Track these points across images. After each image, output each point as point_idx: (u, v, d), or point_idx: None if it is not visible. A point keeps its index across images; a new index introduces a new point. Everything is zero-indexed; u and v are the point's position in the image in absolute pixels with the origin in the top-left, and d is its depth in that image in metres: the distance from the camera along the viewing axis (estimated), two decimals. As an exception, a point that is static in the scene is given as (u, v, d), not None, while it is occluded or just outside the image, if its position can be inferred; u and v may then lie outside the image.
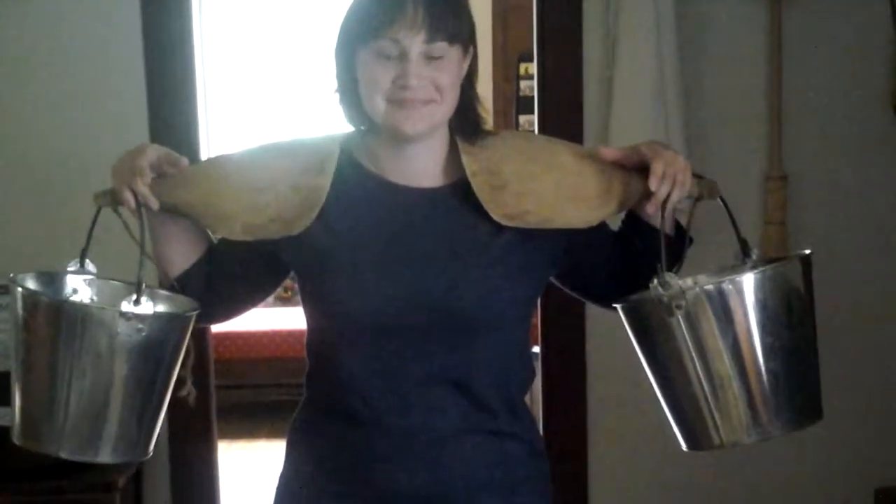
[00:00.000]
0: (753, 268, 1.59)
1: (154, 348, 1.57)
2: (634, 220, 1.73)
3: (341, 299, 1.64)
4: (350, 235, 1.66)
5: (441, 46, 1.59)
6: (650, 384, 1.65)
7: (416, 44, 1.58)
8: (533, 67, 3.10)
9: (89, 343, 1.52)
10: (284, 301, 6.67)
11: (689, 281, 1.59)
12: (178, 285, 1.73)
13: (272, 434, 5.58)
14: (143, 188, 1.62)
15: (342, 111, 1.72)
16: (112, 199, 1.66)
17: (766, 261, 1.64)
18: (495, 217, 1.63)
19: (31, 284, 1.61)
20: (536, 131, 3.07)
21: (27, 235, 3.00)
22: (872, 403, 3.05)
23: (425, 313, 1.63)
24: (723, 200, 1.69)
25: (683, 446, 1.65)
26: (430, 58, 1.59)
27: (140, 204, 1.63)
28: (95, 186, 1.69)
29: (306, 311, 1.75)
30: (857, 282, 3.01)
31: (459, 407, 1.67)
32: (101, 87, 3.00)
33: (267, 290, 1.83)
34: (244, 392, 5.97)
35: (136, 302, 1.55)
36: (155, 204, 1.64)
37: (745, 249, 1.67)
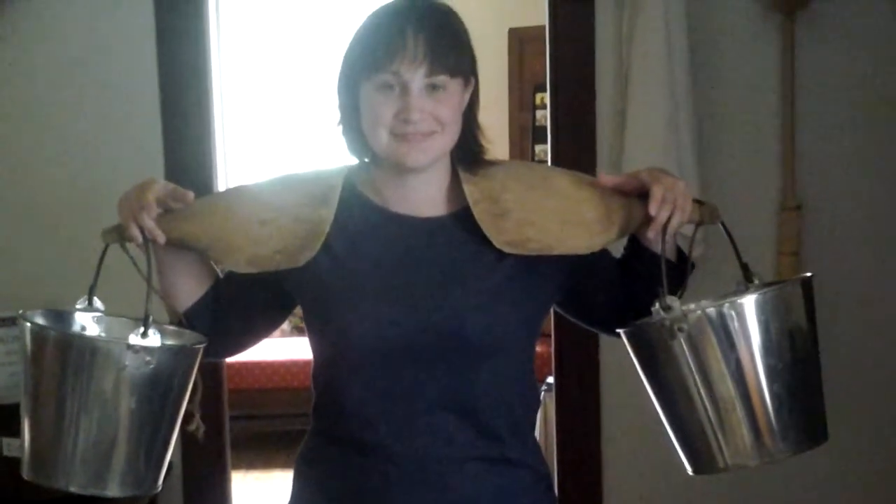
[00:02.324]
0: (756, 291, 1.59)
1: (161, 382, 1.57)
2: (636, 246, 1.74)
3: (345, 328, 1.65)
4: (354, 265, 1.67)
5: (442, 80, 1.61)
6: (655, 409, 1.65)
7: (417, 77, 1.59)
8: (548, 97, 3.11)
9: (97, 376, 1.53)
10: (300, 331, 6.67)
11: (692, 305, 1.59)
12: (186, 320, 1.74)
13: (288, 464, 5.52)
14: (150, 222, 1.63)
15: (345, 143, 1.73)
16: (119, 234, 1.67)
17: (768, 285, 1.64)
18: (497, 245, 1.64)
19: (41, 321, 1.62)
20: (550, 161, 3.07)
21: (37, 269, 3.01)
22: (885, 429, 3.03)
23: (429, 341, 1.63)
24: (724, 225, 1.70)
25: (689, 470, 1.65)
26: (431, 91, 1.61)
27: (146, 239, 1.64)
28: (106, 220, 1.70)
29: (312, 342, 1.76)
30: (873, 312, 2.99)
31: (464, 433, 1.67)
32: (114, 118, 3.02)
33: (274, 322, 1.85)
34: (260, 422, 5.97)
35: (144, 335, 1.56)
36: (162, 238, 1.65)
37: (746, 274, 1.67)
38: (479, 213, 1.67)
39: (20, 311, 1.60)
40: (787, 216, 2.92)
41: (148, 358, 1.54)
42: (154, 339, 1.57)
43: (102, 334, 1.68)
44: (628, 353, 1.67)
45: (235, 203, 1.73)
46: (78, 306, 1.68)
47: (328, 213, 1.67)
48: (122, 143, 3.02)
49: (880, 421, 3.01)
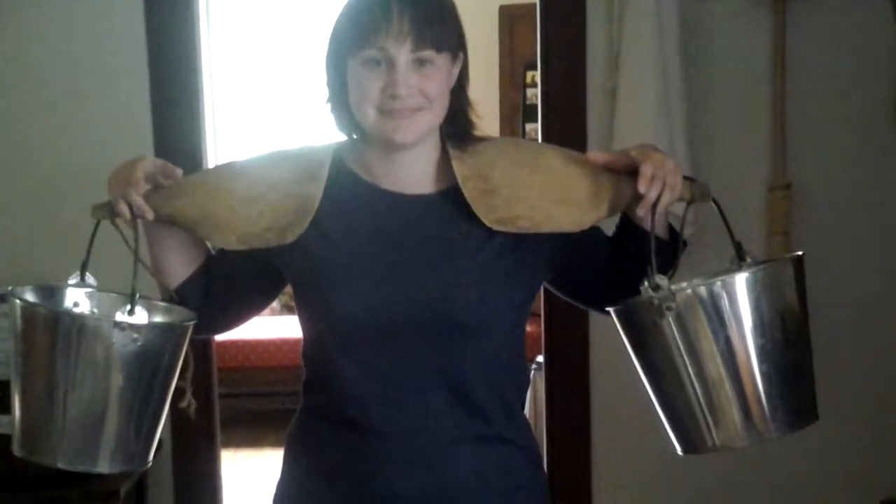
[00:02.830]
0: (746, 270, 1.57)
1: (150, 358, 1.57)
2: (627, 224, 1.73)
3: (335, 305, 1.65)
4: (343, 242, 1.67)
5: (428, 54, 1.60)
6: (645, 388, 1.65)
7: (403, 52, 1.59)
8: (538, 76, 3.10)
9: (85, 353, 1.53)
10: (290, 309, 6.67)
11: (682, 284, 1.58)
12: (177, 296, 1.75)
13: (278, 442, 5.54)
14: (138, 199, 1.63)
15: (333, 120, 1.73)
16: (109, 211, 1.66)
17: (760, 264, 1.62)
18: (486, 222, 1.64)
19: (31, 297, 1.62)
20: (540, 140, 3.07)
21: (29, 245, 3.01)
22: (877, 413, 3.04)
23: (419, 318, 1.63)
24: (716, 203, 1.68)
25: (678, 450, 1.64)
26: (418, 66, 1.60)
27: (135, 215, 1.64)
28: (97, 196, 1.70)
29: (301, 319, 1.75)
30: (862, 290, 3.00)
31: (454, 412, 1.68)
32: (104, 96, 3.02)
33: (265, 299, 1.85)
34: (250, 400, 5.98)
35: (131, 312, 1.56)
36: (150, 214, 1.65)
37: (739, 252, 1.65)
38: (468, 190, 1.66)
39: (9, 288, 1.59)
40: (777, 195, 2.93)
41: (135, 335, 1.54)
42: (141, 317, 1.57)
43: (94, 310, 1.68)
44: (618, 332, 1.66)
45: (223, 180, 1.72)
46: (70, 282, 1.68)
47: (317, 190, 1.67)
48: (111, 122, 3.02)
49: (866, 400, 3.02)
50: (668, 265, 1.58)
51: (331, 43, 1.67)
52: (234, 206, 1.68)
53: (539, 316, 3.12)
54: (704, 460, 2.98)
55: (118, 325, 1.53)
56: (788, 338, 1.56)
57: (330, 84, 1.70)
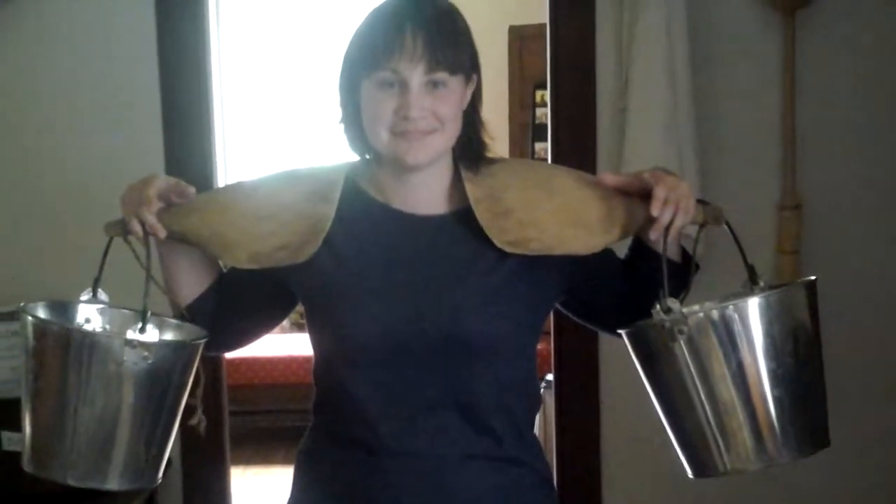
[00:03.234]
0: (759, 294, 1.58)
1: (161, 376, 1.58)
2: (639, 247, 1.73)
3: (348, 325, 1.65)
4: (356, 262, 1.67)
5: (442, 76, 1.61)
6: (655, 409, 1.64)
7: (416, 75, 1.59)
8: (548, 95, 3.11)
9: (97, 370, 1.53)
10: (300, 327, 6.67)
11: (695, 307, 1.58)
12: (188, 314, 1.75)
13: (287, 459, 5.56)
14: (150, 217, 1.64)
15: (346, 140, 1.73)
16: (122, 228, 1.67)
17: (772, 287, 1.62)
18: (498, 244, 1.64)
19: (43, 313, 1.63)
20: (550, 159, 3.07)
21: (41, 262, 3.02)
22: (891, 431, 3.03)
23: (429, 340, 1.63)
24: (729, 226, 1.68)
25: (689, 473, 1.64)
26: (431, 88, 1.61)
27: (147, 233, 1.64)
28: (109, 213, 1.71)
29: (313, 339, 1.76)
30: (873, 312, 2.99)
31: (464, 432, 1.67)
32: (115, 113, 3.02)
33: (276, 319, 1.85)
34: (260, 417, 5.97)
35: (142, 330, 1.57)
36: (162, 233, 1.66)
37: (752, 276, 1.65)
38: (480, 212, 1.66)
39: (21, 304, 1.61)
40: (787, 215, 2.92)
41: (146, 353, 1.54)
42: (152, 335, 1.58)
43: (107, 326, 1.68)
44: (628, 352, 1.66)
45: (234, 198, 1.74)
46: (83, 298, 1.69)
47: (329, 209, 1.67)
48: (122, 138, 3.02)
49: (879, 422, 3.01)
50: (681, 288, 1.58)
51: (344, 63, 1.68)
52: (244, 224, 1.68)
53: (549, 334, 3.13)
54: (717, 483, 2.98)
55: (129, 342, 1.54)
56: (801, 362, 1.56)
57: (343, 104, 1.70)
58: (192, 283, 1.76)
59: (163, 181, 1.68)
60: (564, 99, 3.02)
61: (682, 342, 1.52)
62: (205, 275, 1.77)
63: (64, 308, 1.68)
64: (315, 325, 1.74)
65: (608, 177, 1.70)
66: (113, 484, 1.60)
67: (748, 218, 2.92)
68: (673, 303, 1.53)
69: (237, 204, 1.72)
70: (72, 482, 1.57)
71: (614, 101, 2.95)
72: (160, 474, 1.65)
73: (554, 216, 1.66)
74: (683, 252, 1.74)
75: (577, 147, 2.99)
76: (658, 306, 1.54)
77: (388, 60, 1.59)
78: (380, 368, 1.65)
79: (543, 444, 3.46)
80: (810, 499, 3.07)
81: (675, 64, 2.82)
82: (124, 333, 1.56)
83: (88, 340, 1.55)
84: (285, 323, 6.70)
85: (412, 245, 1.68)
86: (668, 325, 1.52)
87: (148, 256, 1.64)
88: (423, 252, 1.67)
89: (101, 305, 1.69)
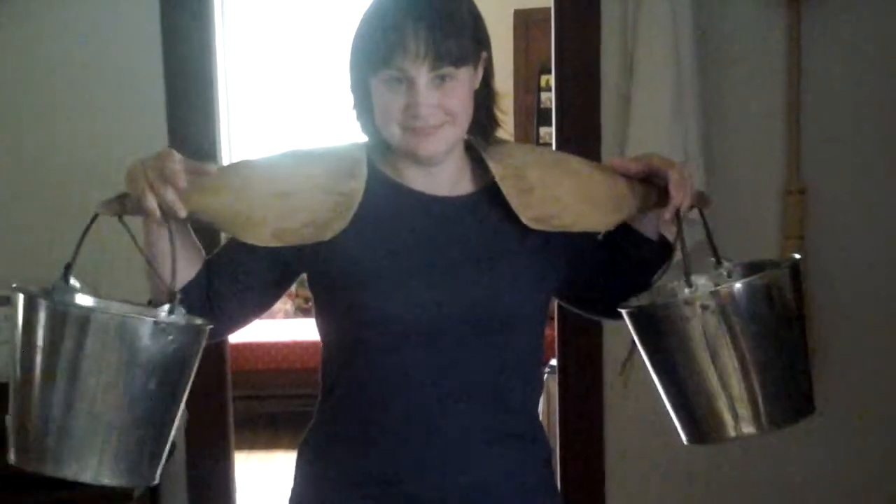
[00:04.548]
0: (748, 271, 1.66)
1: (178, 362, 1.50)
2: (629, 232, 1.76)
3: (381, 307, 1.63)
4: (383, 242, 1.65)
5: (448, 71, 1.59)
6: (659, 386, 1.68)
7: (422, 73, 1.58)
8: (553, 79, 3.10)
9: (119, 354, 1.44)
10: (304, 312, 6.68)
11: (709, 283, 1.64)
12: (184, 297, 1.61)
13: (291, 444, 5.55)
14: (171, 195, 1.51)
15: (359, 126, 1.72)
16: (121, 206, 1.55)
17: (748, 265, 1.71)
18: (525, 220, 1.66)
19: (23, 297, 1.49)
20: (554, 144, 3.07)
21: (36, 243, 3.00)
22: (892, 419, 3.03)
23: (464, 319, 1.64)
24: (701, 212, 1.75)
25: (686, 439, 1.68)
26: (438, 82, 1.59)
27: (165, 213, 1.52)
28: (109, 194, 1.61)
29: (327, 322, 1.72)
30: (879, 295, 2.99)
31: (489, 411, 1.69)
32: (118, 100, 3.01)
33: (268, 303, 1.78)
34: (264, 403, 5.98)
35: (171, 312, 1.50)
36: (183, 212, 1.53)
37: (717, 256, 1.71)
38: (506, 188, 1.67)
39: (14, 286, 1.49)
40: (792, 200, 2.92)
41: (171, 336, 1.47)
42: (179, 317, 1.51)
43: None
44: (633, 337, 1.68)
45: (252, 176, 1.65)
46: (54, 284, 1.56)
47: (358, 186, 1.64)
48: (125, 124, 3.01)
49: (884, 404, 3.01)
50: (658, 267, 1.68)
51: (351, 55, 1.66)
52: (268, 202, 1.61)
53: (553, 319, 3.13)
54: (717, 466, 2.98)
55: (158, 324, 1.46)
56: (794, 335, 1.63)
57: (353, 93, 1.69)
58: (183, 268, 1.61)
59: (182, 158, 1.56)
60: (569, 83, 3.01)
61: (705, 316, 1.56)
62: (194, 258, 1.66)
63: (45, 294, 1.54)
64: (335, 309, 1.70)
65: (615, 161, 1.75)
66: (107, 478, 1.50)
67: (753, 203, 2.94)
68: (698, 279, 1.61)
69: (257, 181, 1.64)
70: (66, 475, 1.49)
71: (618, 85, 2.94)
72: (159, 472, 1.55)
73: (571, 194, 1.70)
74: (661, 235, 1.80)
75: (581, 132, 2.98)
76: (676, 283, 1.62)
77: (392, 60, 1.57)
78: (411, 350, 1.64)
79: (546, 429, 3.48)
80: (812, 491, 3.07)
81: (679, 49, 2.81)
82: (149, 314, 1.47)
83: (115, 322, 1.45)
84: (289, 308, 6.72)
85: (437, 226, 1.68)
86: (696, 301, 1.57)
87: (172, 239, 1.53)
88: (451, 232, 1.68)
89: (73, 293, 1.56)
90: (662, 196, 1.70)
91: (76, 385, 1.44)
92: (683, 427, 1.67)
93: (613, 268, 1.78)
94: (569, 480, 3.10)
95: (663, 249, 1.74)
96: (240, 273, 1.70)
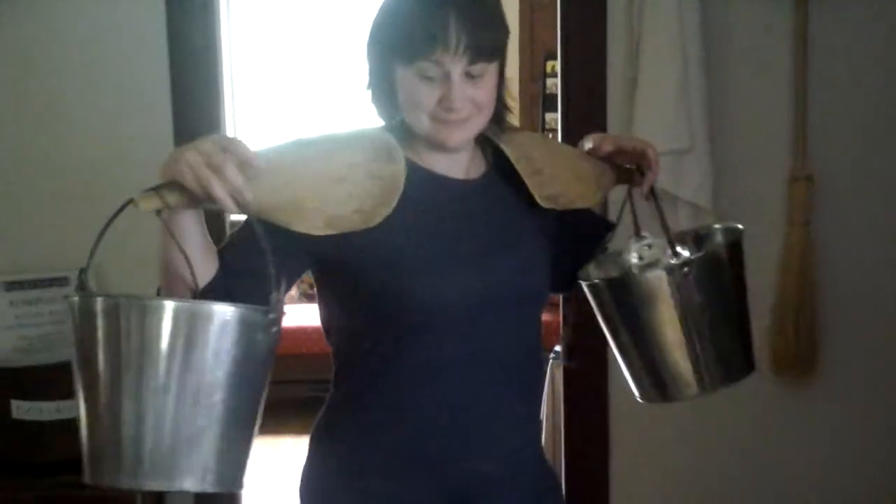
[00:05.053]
0: (695, 240, 1.81)
1: (270, 356, 1.45)
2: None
3: (427, 292, 1.62)
4: (423, 228, 1.65)
5: (482, 66, 1.61)
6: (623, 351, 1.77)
7: (458, 67, 1.59)
8: (558, 66, 3.09)
9: (232, 351, 1.38)
10: (310, 298, 6.68)
11: (685, 252, 1.74)
12: (212, 295, 1.54)
13: (298, 430, 5.57)
14: (239, 180, 1.42)
15: (375, 109, 1.72)
16: (162, 200, 1.43)
17: (694, 235, 1.85)
18: (539, 199, 1.72)
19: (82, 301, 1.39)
20: (560, 130, 3.06)
21: (45, 238, 3.00)
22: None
23: (500, 299, 1.68)
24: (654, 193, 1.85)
25: (640, 398, 1.79)
26: (470, 77, 1.61)
27: (238, 203, 1.44)
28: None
29: (348, 307, 1.70)
30: (883, 282, 2.98)
31: (510, 390, 1.73)
32: (124, 91, 2.99)
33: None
34: (270, 388, 5.97)
35: (271, 309, 1.43)
36: (252, 197, 1.44)
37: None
38: (522, 170, 1.73)
39: (99, 297, 1.38)
40: (798, 186, 2.91)
41: (275, 329, 1.43)
42: (281, 307, 1.44)
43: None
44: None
45: (300, 160, 1.58)
46: (75, 289, 1.47)
47: (399, 170, 1.63)
48: (130, 121, 2.99)
49: (889, 395, 3.00)
50: (596, 245, 1.86)
51: (375, 41, 1.65)
52: (321, 188, 1.56)
53: (557, 305, 3.13)
54: (721, 463, 2.98)
55: (269, 318, 1.41)
56: (741, 298, 1.73)
57: (372, 76, 1.68)
58: (208, 262, 1.55)
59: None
60: (574, 69, 3.00)
61: (683, 281, 1.64)
62: (213, 253, 1.57)
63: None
64: (360, 296, 1.65)
65: (592, 142, 1.85)
66: (193, 485, 1.39)
67: (759, 188, 2.93)
68: (682, 248, 1.72)
69: (307, 166, 1.57)
70: (153, 486, 1.38)
71: (625, 70, 2.93)
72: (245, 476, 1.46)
73: (569, 174, 1.79)
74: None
75: (587, 117, 2.97)
76: (667, 250, 1.71)
77: (431, 52, 1.57)
78: (446, 332, 1.65)
79: (552, 417, 3.48)
80: (813, 494, 3.07)
81: (685, 33, 2.80)
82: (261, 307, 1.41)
83: (232, 316, 1.37)
84: (294, 293, 6.71)
85: (464, 209, 1.71)
86: (677, 266, 1.65)
87: (259, 230, 1.45)
88: (476, 214, 1.72)
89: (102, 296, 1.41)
90: (622, 174, 1.85)
91: (181, 386, 1.35)
92: (644, 388, 1.77)
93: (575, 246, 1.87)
94: (572, 490, 3.10)
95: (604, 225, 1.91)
96: (252, 266, 1.52)
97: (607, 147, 1.81)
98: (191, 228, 1.50)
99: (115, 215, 1.43)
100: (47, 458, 2.66)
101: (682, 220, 2.81)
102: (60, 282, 2.83)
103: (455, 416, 1.68)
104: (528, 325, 1.77)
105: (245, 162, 1.44)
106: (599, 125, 2.96)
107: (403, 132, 1.69)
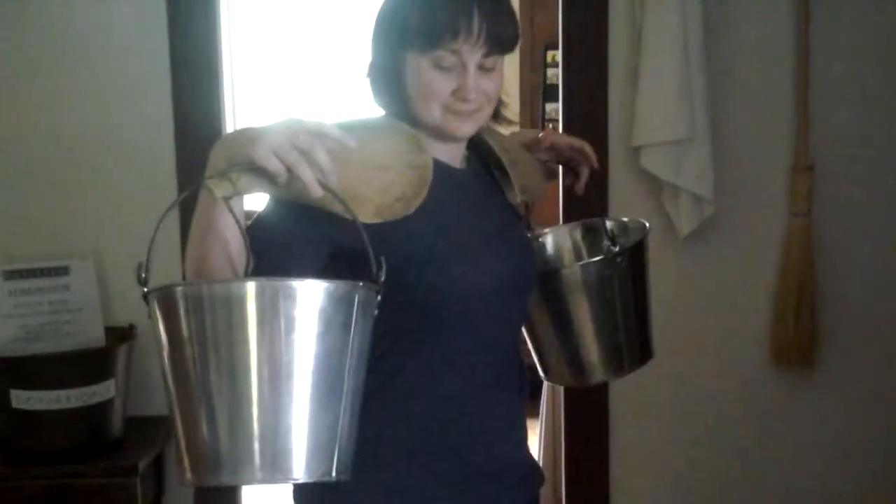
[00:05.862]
0: (611, 237, 1.87)
1: (370, 333, 1.39)
2: None
3: (450, 281, 1.60)
4: (441, 217, 1.64)
5: (494, 58, 1.62)
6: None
7: (475, 57, 1.60)
8: (559, 56, 3.08)
9: (351, 330, 1.32)
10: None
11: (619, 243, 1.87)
12: None
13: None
14: (329, 164, 1.40)
15: (373, 97, 1.70)
16: (234, 186, 1.39)
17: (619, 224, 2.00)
18: (518, 191, 1.78)
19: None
20: (561, 120, 3.06)
21: (48, 226, 2.99)
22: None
23: (514, 284, 1.71)
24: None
25: (547, 377, 1.96)
26: (483, 69, 1.62)
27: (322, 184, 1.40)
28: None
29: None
30: (885, 273, 2.98)
31: (517, 376, 1.78)
32: (125, 82, 2.98)
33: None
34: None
35: (377, 289, 1.39)
36: (335, 182, 1.42)
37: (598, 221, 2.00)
38: (507, 162, 1.77)
39: (185, 284, 1.34)
40: (800, 176, 2.91)
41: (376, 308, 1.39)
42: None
43: None
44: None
45: (344, 148, 1.49)
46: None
47: (428, 157, 1.63)
48: (131, 111, 2.97)
49: (891, 390, 3.01)
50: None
51: (386, 28, 1.64)
52: (369, 176, 1.55)
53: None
54: (721, 469, 2.97)
55: (375, 291, 1.36)
56: (645, 290, 1.91)
57: (377, 63, 1.67)
58: (243, 246, 1.47)
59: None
60: (575, 59, 2.99)
61: (621, 269, 1.83)
62: (243, 246, 1.48)
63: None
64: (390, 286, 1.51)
65: (529, 137, 1.96)
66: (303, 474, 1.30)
67: (760, 179, 2.93)
68: (620, 238, 1.87)
69: (354, 153, 1.50)
70: (304, 478, 1.29)
71: (626, 60, 2.92)
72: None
73: (533, 169, 1.89)
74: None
75: (588, 108, 2.97)
76: (608, 243, 1.84)
77: (450, 42, 1.57)
78: (477, 318, 1.65)
79: (551, 418, 3.46)
80: (813, 488, 3.07)
81: (687, 22, 2.79)
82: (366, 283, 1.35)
83: (360, 295, 1.33)
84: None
85: (471, 198, 1.73)
86: (615, 257, 1.82)
87: (349, 211, 1.41)
88: (481, 202, 1.75)
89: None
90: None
91: (280, 363, 1.27)
92: (563, 371, 1.92)
93: None
94: (573, 471, 3.11)
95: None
96: (284, 260, 1.51)
97: (545, 143, 1.93)
98: (232, 213, 1.45)
99: (175, 203, 1.41)
100: (47, 448, 2.66)
101: (683, 210, 2.82)
102: (60, 271, 2.81)
103: (479, 405, 1.70)
104: (524, 312, 1.82)
105: (342, 145, 1.43)
106: (600, 115, 2.95)
107: (407, 122, 1.67)
